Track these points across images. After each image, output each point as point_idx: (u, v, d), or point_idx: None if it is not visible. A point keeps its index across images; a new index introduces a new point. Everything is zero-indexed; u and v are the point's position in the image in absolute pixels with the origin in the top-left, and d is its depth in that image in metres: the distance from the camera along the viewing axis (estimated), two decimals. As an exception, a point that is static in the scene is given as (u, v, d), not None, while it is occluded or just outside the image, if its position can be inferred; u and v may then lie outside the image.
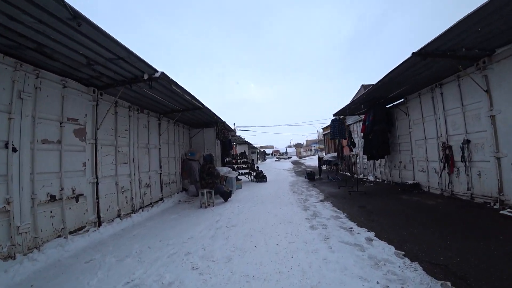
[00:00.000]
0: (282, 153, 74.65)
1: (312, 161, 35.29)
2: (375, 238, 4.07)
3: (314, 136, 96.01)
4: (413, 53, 4.93)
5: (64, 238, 4.56)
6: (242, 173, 14.05)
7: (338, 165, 14.03)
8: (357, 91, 41.50)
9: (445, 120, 6.71)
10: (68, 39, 3.56)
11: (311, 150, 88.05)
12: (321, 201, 7.52)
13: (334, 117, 11.04)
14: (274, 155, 64.94)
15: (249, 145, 29.55)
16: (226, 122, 11.23)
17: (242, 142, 26.09)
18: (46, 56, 4.01)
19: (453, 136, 6.50)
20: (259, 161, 47.99)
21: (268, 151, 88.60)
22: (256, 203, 7.67)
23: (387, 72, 6.18)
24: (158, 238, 4.80)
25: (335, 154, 12.56)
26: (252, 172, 13.94)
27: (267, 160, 58.65)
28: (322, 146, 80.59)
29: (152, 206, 7.86)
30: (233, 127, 26.81)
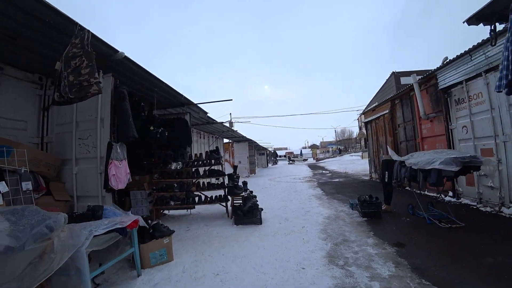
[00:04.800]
0: (297, 154, 66.25)
1: (335, 165, 26.82)
2: None
3: (330, 138, 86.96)
4: None
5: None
6: (210, 198, 6.23)
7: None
8: (385, 80, 33.20)
9: None
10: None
11: (328, 151, 79.57)
12: None
13: None
14: (288, 157, 56.55)
15: (252, 144, 21.71)
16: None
17: (239, 138, 18.31)
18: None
19: None
20: (269, 164, 40.02)
21: (281, 153, 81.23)
22: None
23: None
24: None
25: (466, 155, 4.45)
26: (230, 198, 6.09)
27: (279, 163, 50.64)
28: (340, 147, 71.11)
29: None
30: (228, 119, 19.16)
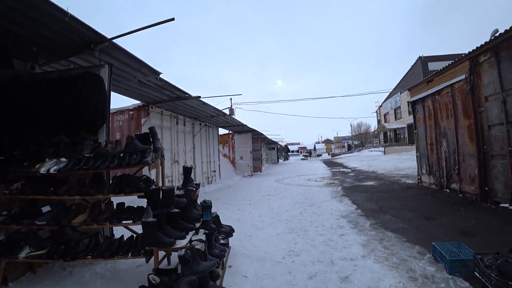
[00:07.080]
0: (310, 150, 62.06)
1: (355, 161, 22.57)
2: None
3: (345, 132, 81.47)
4: None
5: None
6: (110, 245, 2.70)
7: None
8: (409, 67, 29.29)
9: None
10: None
11: (344, 146, 74.81)
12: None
13: None
14: (308, 152, 52.36)
15: (258, 136, 18.04)
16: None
17: (240, 128, 14.66)
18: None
19: None
20: (280, 160, 36.32)
21: (293, 147, 77.45)
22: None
23: None
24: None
25: None
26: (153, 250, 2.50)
27: (291, 158, 46.88)
28: (352, 142, 65.94)
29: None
30: (229, 105, 15.51)
